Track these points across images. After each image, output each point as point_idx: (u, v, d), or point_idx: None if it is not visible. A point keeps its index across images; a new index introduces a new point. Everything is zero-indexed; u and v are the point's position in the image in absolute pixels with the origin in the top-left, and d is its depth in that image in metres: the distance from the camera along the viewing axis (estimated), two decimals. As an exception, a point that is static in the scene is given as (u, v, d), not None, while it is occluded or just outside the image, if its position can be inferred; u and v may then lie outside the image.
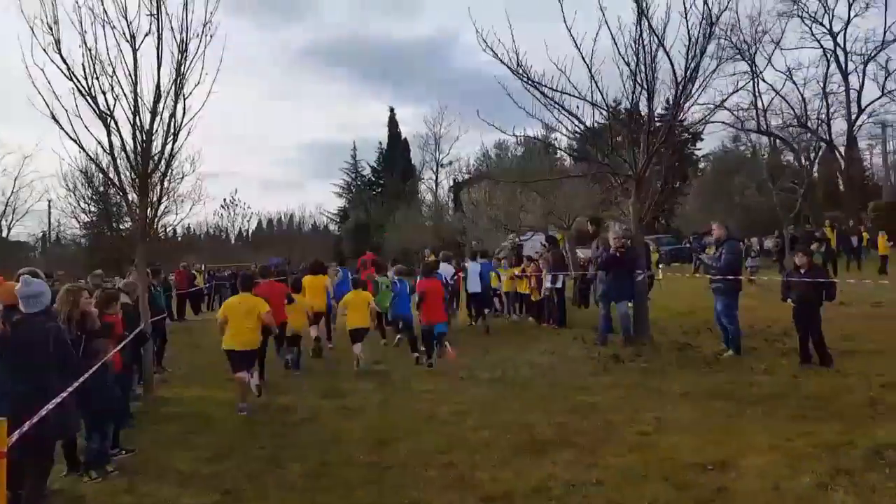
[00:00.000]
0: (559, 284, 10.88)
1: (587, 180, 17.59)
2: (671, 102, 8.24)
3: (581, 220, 22.36)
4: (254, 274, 10.35)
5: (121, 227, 29.13)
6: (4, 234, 32.44)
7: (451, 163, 46.42)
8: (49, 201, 33.11)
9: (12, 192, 31.13)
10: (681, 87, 8.02)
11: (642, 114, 8.71)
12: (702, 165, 40.00)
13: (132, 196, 7.62)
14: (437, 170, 48.24)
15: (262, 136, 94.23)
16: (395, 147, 50.27)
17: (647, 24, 8.00)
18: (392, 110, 51.72)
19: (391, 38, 76.77)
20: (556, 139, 11.45)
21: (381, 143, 52.40)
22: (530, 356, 8.28)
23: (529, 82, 8.42)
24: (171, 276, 19.00)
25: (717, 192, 29.44)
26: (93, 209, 30.91)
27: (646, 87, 8.11)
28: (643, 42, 8.00)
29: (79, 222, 31.23)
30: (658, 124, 8.79)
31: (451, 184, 46.23)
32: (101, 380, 4.72)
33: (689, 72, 8.01)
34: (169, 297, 16.46)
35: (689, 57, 7.87)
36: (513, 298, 12.79)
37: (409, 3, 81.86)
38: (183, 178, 18.39)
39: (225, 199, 51.41)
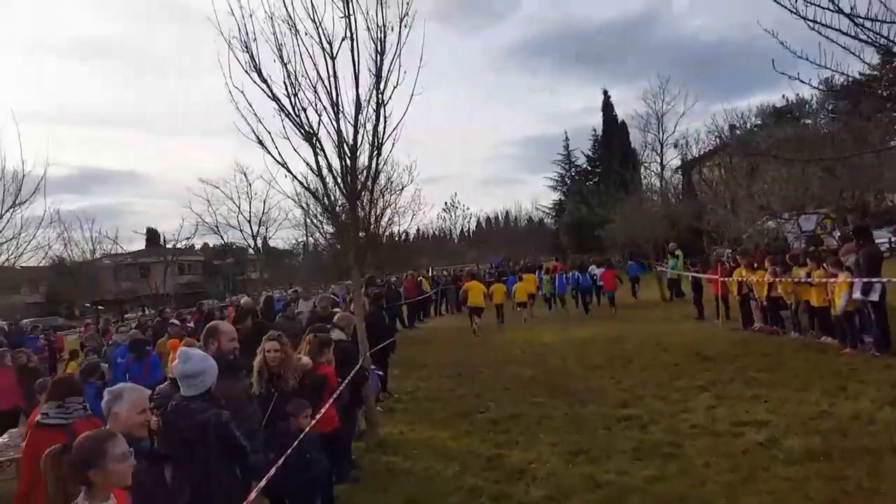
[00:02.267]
0: (875, 296, 7.50)
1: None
2: None
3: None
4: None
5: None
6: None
7: (682, 140, 40.60)
8: (304, 211, 37.88)
9: (263, 212, 36.18)
10: None
11: None
12: None
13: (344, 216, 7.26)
14: (661, 151, 42.77)
15: (475, 137, 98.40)
16: (612, 132, 46.11)
17: None
18: (606, 93, 47.45)
19: (593, 19, 72.30)
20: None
21: (594, 130, 49.01)
22: (857, 406, 5.47)
23: (840, 15, 5.47)
24: (400, 287, 19.70)
25: None
26: (325, 224, 34.52)
27: None
28: None
29: (313, 238, 34.82)
30: None
31: (680, 163, 40.63)
32: (299, 453, 3.89)
33: None
34: (400, 308, 16.94)
35: None
36: (793, 309, 9.52)
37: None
38: (402, 189, 18.96)
39: (445, 203, 54.60)
